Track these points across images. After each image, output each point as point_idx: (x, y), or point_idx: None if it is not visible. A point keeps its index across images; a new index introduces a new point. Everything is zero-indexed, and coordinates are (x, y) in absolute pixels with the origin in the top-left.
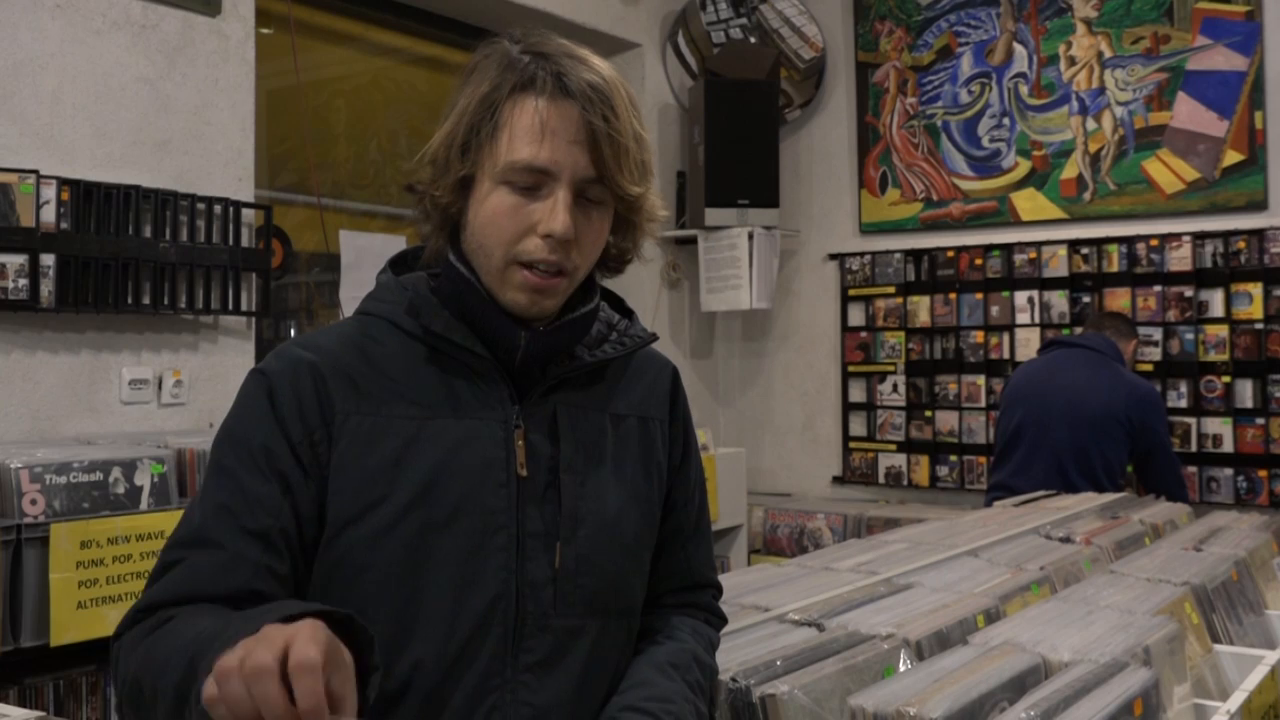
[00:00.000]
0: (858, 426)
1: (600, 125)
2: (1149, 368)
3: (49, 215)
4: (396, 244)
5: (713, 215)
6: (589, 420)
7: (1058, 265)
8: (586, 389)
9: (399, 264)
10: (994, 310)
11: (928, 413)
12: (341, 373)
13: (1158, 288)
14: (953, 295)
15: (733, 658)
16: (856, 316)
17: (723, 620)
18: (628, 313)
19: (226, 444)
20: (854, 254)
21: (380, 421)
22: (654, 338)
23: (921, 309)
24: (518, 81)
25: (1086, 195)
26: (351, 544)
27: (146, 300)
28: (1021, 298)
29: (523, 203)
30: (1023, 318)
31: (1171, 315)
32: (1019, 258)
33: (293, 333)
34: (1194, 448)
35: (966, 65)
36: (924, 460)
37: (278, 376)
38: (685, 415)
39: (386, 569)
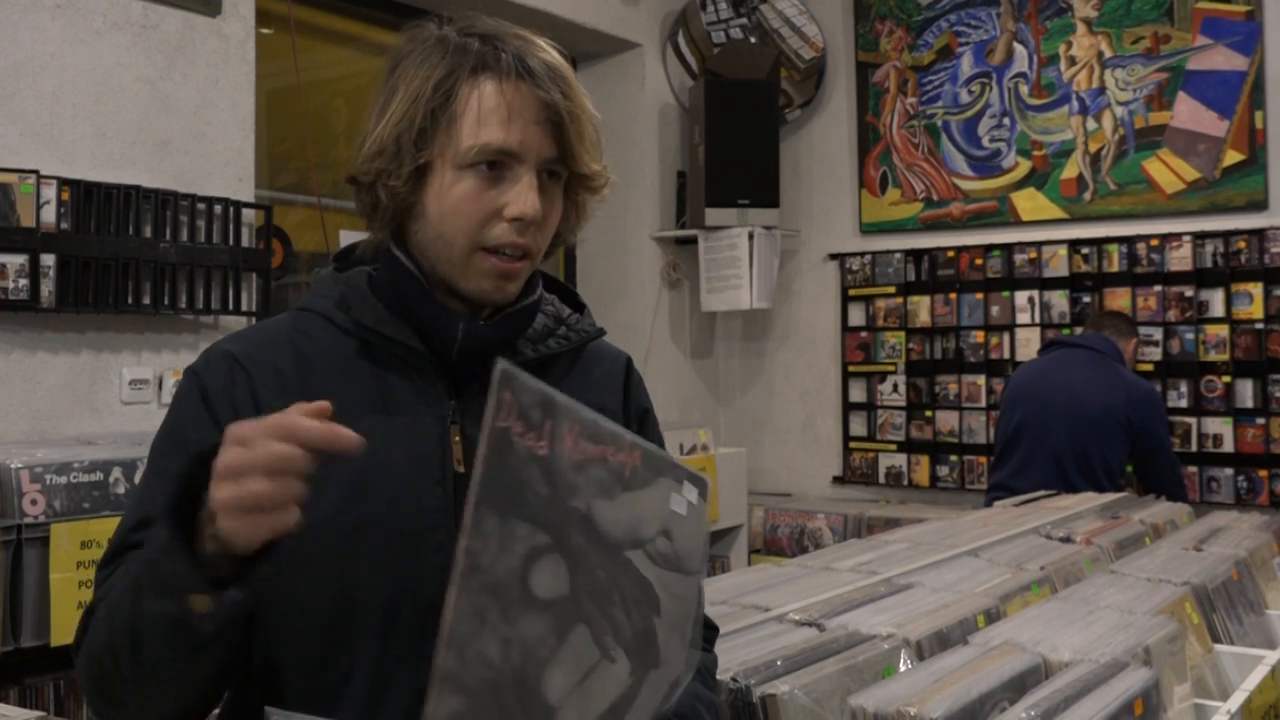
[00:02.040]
0: (858, 426)
1: (564, 104)
2: (1149, 368)
3: (49, 215)
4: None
5: (713, 215)
6: None
7: (1058, 265)
8: None
9: (343, 258)
10: (994, 310)
11: (928, 413)
12: (270, 370)
13: (1158, 288)
14: (953, 295)
15: (733, 658)
16: (857, 316)
17: (711, 629)
18: (579, 306)
19: (164, 444)
20: (854, 254)
21: None
22: (601, 332)
23: (922, 309)
24: (476, 64)
25: (1087, 195)
26: (283, 547)
27: (146, 300)
28: (1022, 298)
29: (487, 187)
30: (1023, 318)
31: (1172, 315)
32: (1019, 258)
33: None
34: (1194, 448)
35: (967, 65)
36: (924, 460)
37: (209, 375)
38: (639, 404)
39: (316, 572)
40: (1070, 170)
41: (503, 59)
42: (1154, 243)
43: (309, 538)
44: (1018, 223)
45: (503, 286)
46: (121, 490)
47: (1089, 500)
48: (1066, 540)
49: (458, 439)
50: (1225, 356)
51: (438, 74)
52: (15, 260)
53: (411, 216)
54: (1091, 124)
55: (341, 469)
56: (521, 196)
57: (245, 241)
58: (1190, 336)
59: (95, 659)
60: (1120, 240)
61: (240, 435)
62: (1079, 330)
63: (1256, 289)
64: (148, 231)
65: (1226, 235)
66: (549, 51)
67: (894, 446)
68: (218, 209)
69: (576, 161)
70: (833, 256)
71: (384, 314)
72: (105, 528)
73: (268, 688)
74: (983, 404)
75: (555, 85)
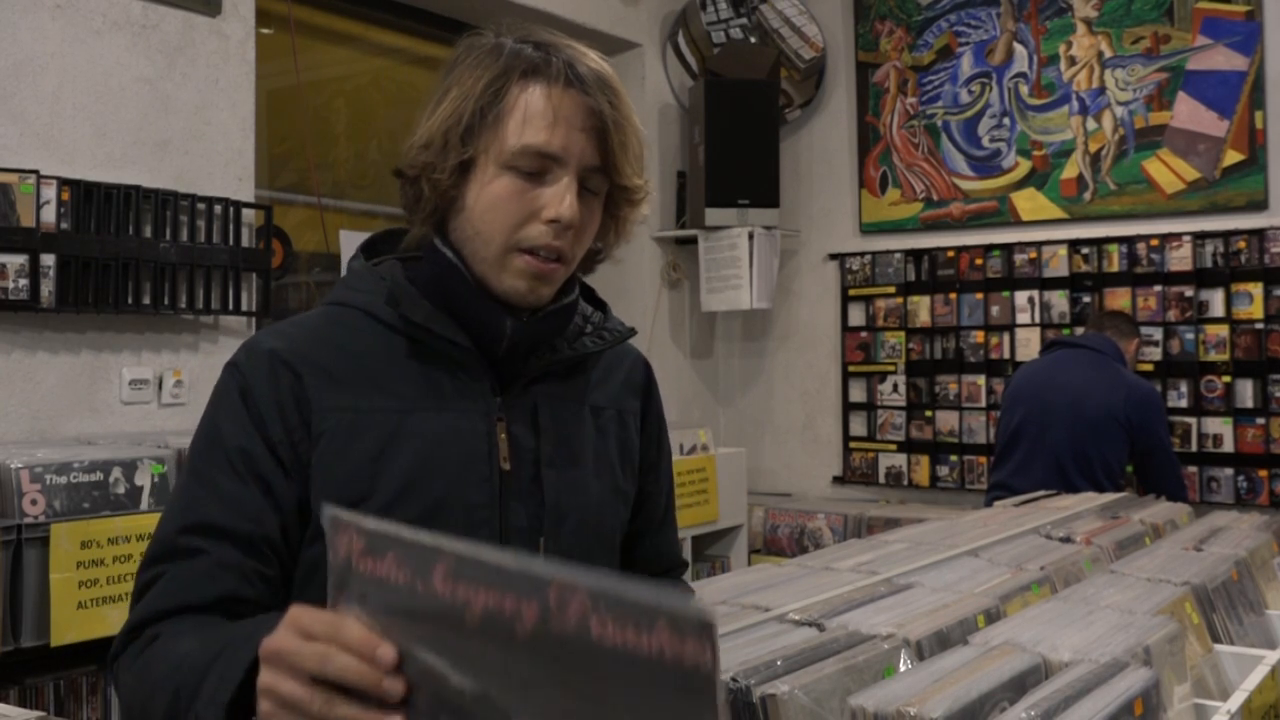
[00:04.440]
0: (858, 426)
1: (610, 113)
2: (1149, 368)
3: (49, 215)
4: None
5: (713, 215)
6: (569, 413)
7: (1058, 265)
8: (565, 381)
9: (371, 249)
10: (994, 310)
11: (928, 413)
12: (317, 367)
13: (1158, 288)
14: (953, 295)
15: (733, 658)
16: (857, 316)
17: (688, 586)
18: (600, 304)
19: (203, 445)
20: (854, 254)
21: (359, 418)
22: (632, 332)
23: (922, 309)
24: (527, 68)
25: (1087, 195)
26: None
27: (146, 300)
28: (1022, 298)
29: (527, 188)
30: (1023, 318)
31: (1172, 315)
32: (1019, 258)
33: None
34: (1194, 448)
35: (967, 65)
36: (924, 460)
37: (251, 371)
38: (658, 409)
39: None
40: (1070, 170)
41: (553, 64)
42: (1154, 243)
43: None
44: (1018, 223)
45: (536, 288)
46: (122, 490)
47: (1089, 500)
48: (1066, 540)
49: (503, 436)
50: (1225, 356)
51: (489, 74)
52: (15, 260)
53: (453, 211)
54: (1091, 124)
55: (393, 466)
56: (559, 199)
57: (245, 241)
58: (1190, 336)
59: (130, 710)
60: (1120, 240)
61: (298, 622)
62: (1080, 330)
63: (1256, 289)
64: (148, 231)
65: (1226, 235)
66: (599, 62)
67: (894, 446)
68: (218, 209)
69: (618, 172)
70: (833, 256)
71: (432, 310)
72: (105, 528)
73: None
74: (983, 404)
75: (603, 94)
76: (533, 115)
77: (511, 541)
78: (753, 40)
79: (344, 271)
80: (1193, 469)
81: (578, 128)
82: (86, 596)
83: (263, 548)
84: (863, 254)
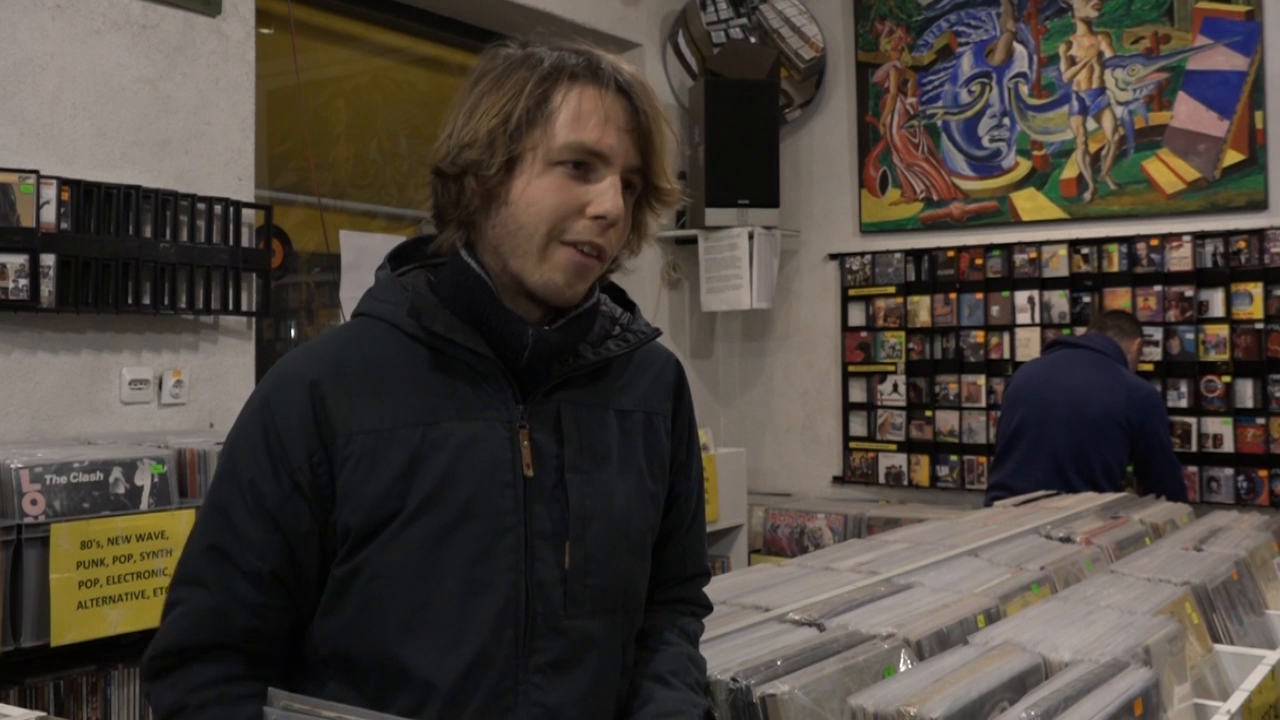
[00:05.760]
0: (858, 426)
1: (651, 116)
2: (1149, 368)
3: (49, 215)
4: (396, 244)
5: (713, 215)
6: (593, 417)
7: (1058, 265)
8: (590, 386)
9: (398, 258)
10: (994, 310)
11: (928, 413)
12: (342, 387)
13: (1158, 288)
14: (953, 295)
15: (733, 658)
16: (857, 316)
17: (708, 609)
18: (629, 305)
19: (221, 476)
20: (854, 254)
21: (384, 437)
22: (657, 333)
23: (922, 309)
24: (576, 71)
25: (1087, 195)
26: (365, 558)
27: (146, 300)
28: (1022, 298)
29: (573, 184)
30: (1023, 318)
31: (1172, 315)
32: (1019, 258)
33: (293, 333)
34: (1194, 448)
35: (967, 65)
36: (924, 460)
37: (276, 401)
38: (689, 410)
39: (398, 577)
40: (1070, 170)
41: (602, 70)
42: (1154, 243)
43: (388, 554)
44: (1018, 223)
45: (574, 283)
46: (122, 490)
47: (1089, 500)
48: (1066, 540)
49: (526, 443)
50: (1225, 356)
51: (538, 75)
52: (15, 260)
53: (494, 207)
54: (1091, 124)
55: (422, 476)
56: (605, 195)
57: (245, 241)
58: (1190, 336)
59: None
60: (1120, 240)
61: None
62: (1080, 330)
63: (1256, 289)
64: (148, 231)
65: (1226, 235)
66: (635, 70)
67: (894, 446)
68: (218, 209)
69: (656, 174)
70: (833, 256)
71: (453, 321)
72: (105, 528)
73: (343, 682)
74: (983, 404)
75: (645, 100)
76: (584, 114)
77: (536, 547)
78: (753, 40)
79: (343, 269)
80: (1193, 469)
81: (624, 129)
82: (86, 596)
83: (270, 581)
84: (863, 254)
